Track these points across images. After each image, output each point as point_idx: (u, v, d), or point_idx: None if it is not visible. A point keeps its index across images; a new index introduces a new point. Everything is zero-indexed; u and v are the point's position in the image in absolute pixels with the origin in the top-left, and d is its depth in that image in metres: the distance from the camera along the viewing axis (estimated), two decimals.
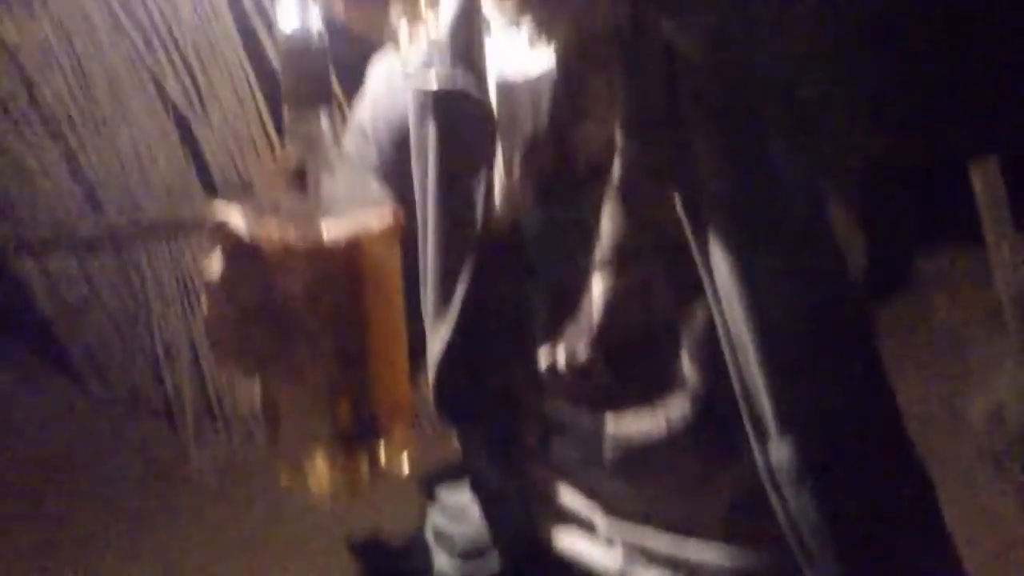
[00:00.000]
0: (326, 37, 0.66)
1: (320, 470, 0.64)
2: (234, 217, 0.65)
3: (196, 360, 2.96)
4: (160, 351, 3.00)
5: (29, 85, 2.89)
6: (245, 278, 0.64)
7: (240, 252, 0.64)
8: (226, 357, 0.67)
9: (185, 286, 2.89)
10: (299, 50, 0.65)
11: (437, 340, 0.88)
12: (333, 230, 0.63)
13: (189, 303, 2.90)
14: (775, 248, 0.75)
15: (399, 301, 0.67)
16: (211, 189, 2.73)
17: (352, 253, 0.63)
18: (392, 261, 0.66)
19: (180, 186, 2.78)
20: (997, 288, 1.94)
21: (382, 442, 0.65)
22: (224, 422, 3.01)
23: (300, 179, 0.64)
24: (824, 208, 0.77)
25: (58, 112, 2.88)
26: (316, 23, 0.65)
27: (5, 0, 2.78)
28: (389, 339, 0.66)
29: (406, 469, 0.67)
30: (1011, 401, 1.86)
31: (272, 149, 2.59)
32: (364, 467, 0.65)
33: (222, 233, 0.64)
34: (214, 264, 0.66)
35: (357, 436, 0.65)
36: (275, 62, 2.49)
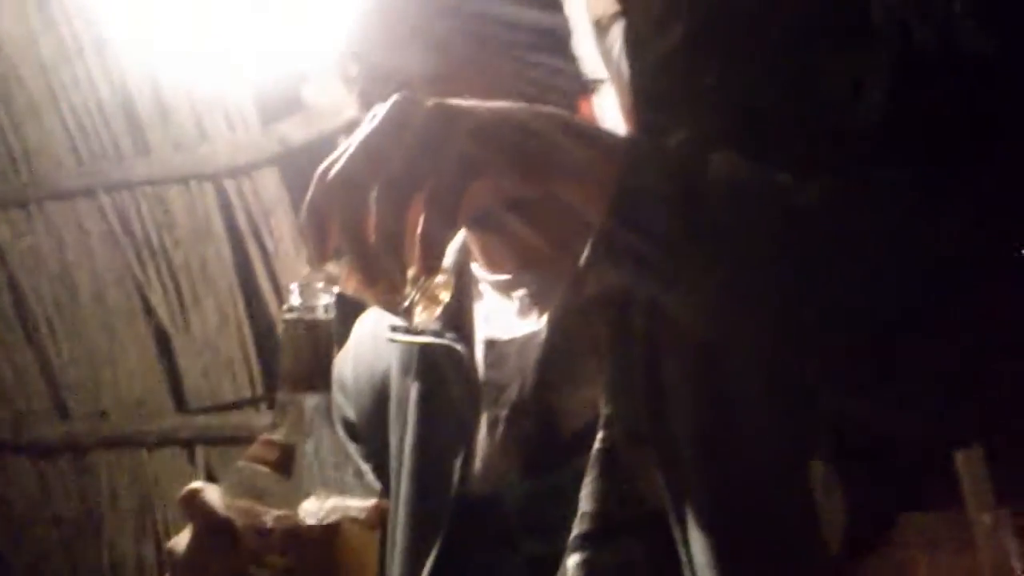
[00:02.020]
0: (333, 313, 0.64)
1: None
2: (209, 491, 0.62)
3: None
4: (106, 568, 2.87)
5: (13, 285, 2.89)
6: (213, 557, 0.61)
7: (211, 529, 0.61)
8: None
9: (142, 503, 2.79)
10: (302, 332, 0.63)
11: None
12: (312, 517, 0.61)
13: (144, 521, 2.79)
14: (751, 525, 0.74)
15: None
16: (182, 406, 2.69)
17: (329, 543, 0.60)
18: (370, 554, 0.64)
19: (151, 400, 2.74)
20: (979, 556, 1.90)
21: None
22: None
23: (287, 460, 0.62)
24: (803, 476, 0.75)
25: (38, 314, 2.87)
26: (323, 301, 0.63)
27: (2, 204, 2.84)
28: None
29: None
30: None
31: (249, 374, 2.57)
32: None
33: (193, 506, 0.62)
34: (182, 537, 0.63)
35: None
36: (270, 304, 2.50)
